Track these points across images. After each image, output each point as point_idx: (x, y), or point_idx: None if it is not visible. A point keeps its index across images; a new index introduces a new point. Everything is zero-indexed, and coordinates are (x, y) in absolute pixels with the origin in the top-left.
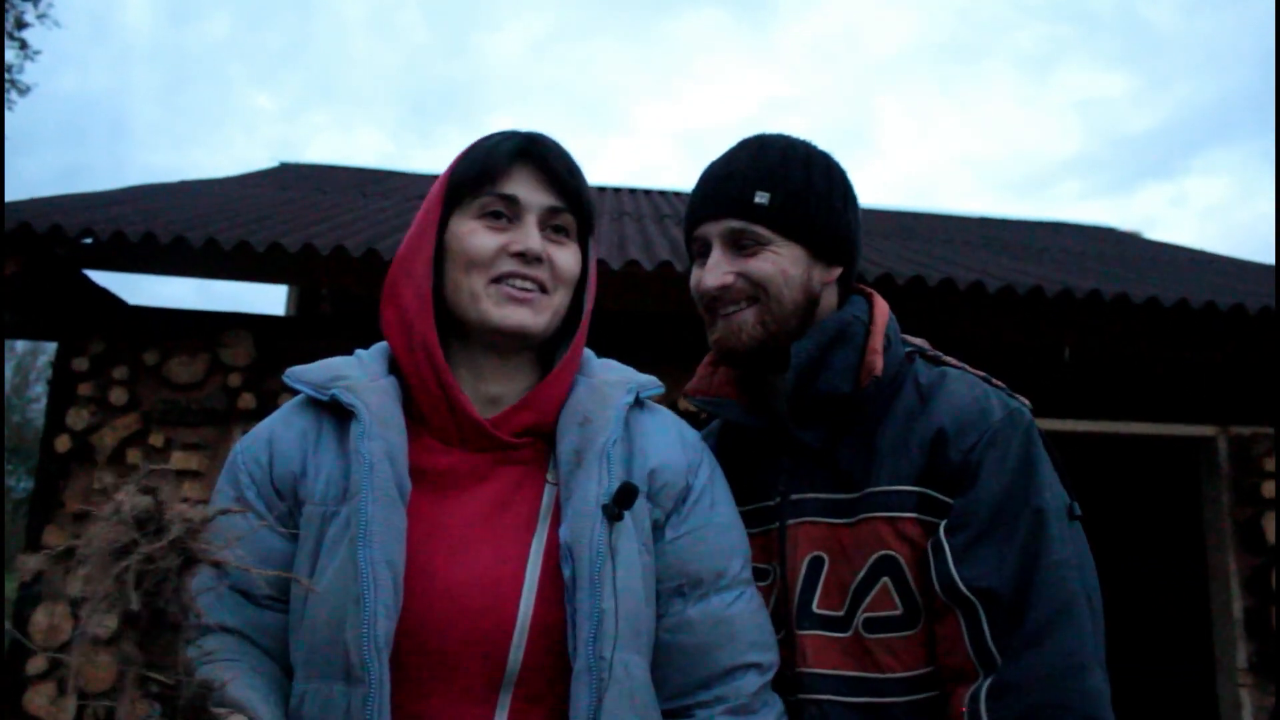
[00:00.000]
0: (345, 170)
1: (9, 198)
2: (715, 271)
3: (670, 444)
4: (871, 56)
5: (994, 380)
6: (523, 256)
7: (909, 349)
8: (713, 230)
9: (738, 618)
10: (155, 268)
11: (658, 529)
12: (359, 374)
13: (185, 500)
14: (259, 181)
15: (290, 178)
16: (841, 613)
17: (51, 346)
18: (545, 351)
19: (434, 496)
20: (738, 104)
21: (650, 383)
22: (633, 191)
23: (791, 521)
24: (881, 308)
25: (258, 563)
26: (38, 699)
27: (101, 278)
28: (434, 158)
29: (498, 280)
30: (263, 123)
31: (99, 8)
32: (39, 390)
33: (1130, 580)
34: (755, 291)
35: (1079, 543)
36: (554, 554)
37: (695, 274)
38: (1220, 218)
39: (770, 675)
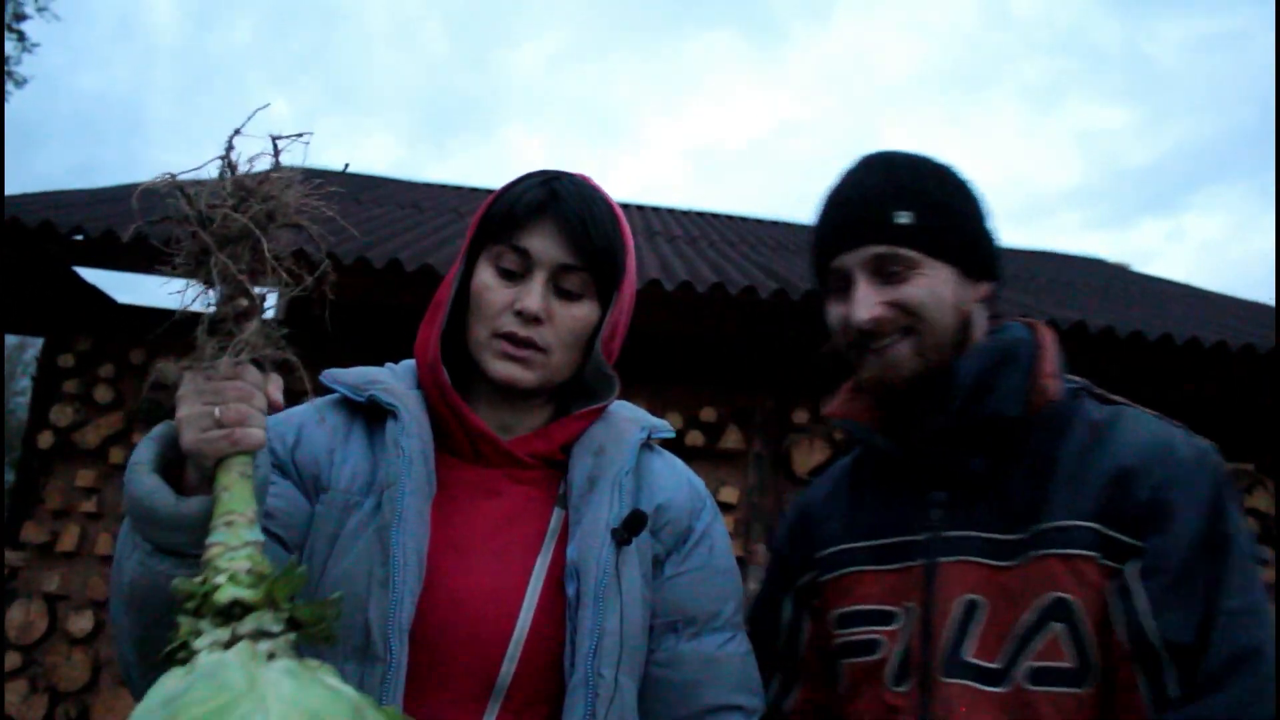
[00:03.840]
0: (341, 175)
1: (14, 190)
2: (864, 304)
3: (677, 484)
4: (879, 82)
5: (1173, 421)
6: (521, 315)
7: (1073, 385)
8: (853, 260)
9: (727, 659)
10: (146, 267)
11: (657, 564)
12: (394, 382)
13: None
14: None
15: None
16: (998, 664)
17: (38, 341)
18: (562, 395)
19: (447, 504)
20: (746, 124)
21: (662, 426)
22: (625, 207)
23: (944, 560)
24: (1047, 335)
25: (289, 510)
26: (9, 696)
27: (93, 275)
28: (447, 168)
29: (498, 335)
30: (277, 127)
31: (127, 8)
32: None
33: None
34: (910, 321)
35: (1261, 590)
36: (556, 575)
37: (836, 309)
38: (1215, 254)
39: None
